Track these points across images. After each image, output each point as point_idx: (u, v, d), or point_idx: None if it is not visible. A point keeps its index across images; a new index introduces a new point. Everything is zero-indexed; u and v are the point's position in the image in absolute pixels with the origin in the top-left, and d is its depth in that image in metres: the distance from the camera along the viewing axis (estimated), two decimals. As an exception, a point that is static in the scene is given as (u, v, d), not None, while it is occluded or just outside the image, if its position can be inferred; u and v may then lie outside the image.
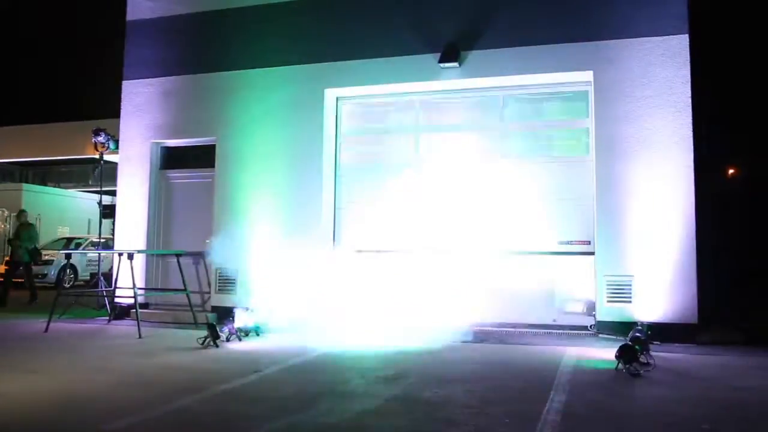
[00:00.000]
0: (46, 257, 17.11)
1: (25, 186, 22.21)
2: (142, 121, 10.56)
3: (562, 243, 8.65)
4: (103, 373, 5.97)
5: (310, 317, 8.26)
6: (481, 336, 7.97)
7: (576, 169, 8.76)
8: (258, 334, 7.92)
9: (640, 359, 6.03)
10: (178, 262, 9.38)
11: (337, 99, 9.90)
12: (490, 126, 9.33)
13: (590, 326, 8.33)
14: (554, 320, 8.56)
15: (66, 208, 22.15)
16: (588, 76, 8.58)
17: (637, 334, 6.50)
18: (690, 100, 8.07)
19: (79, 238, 18.93)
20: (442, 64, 8.97)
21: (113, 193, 11.08)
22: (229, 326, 7.73)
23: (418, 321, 8.04)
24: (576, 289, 8.57)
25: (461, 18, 9.05)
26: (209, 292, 9.82)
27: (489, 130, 9.33)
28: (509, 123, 9.21)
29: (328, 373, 5.92)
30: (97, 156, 10.92)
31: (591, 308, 8.42)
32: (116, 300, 9.85)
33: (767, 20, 13.32)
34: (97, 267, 12.30)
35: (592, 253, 8.40)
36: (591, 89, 8.59)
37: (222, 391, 5.23)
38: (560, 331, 8.33)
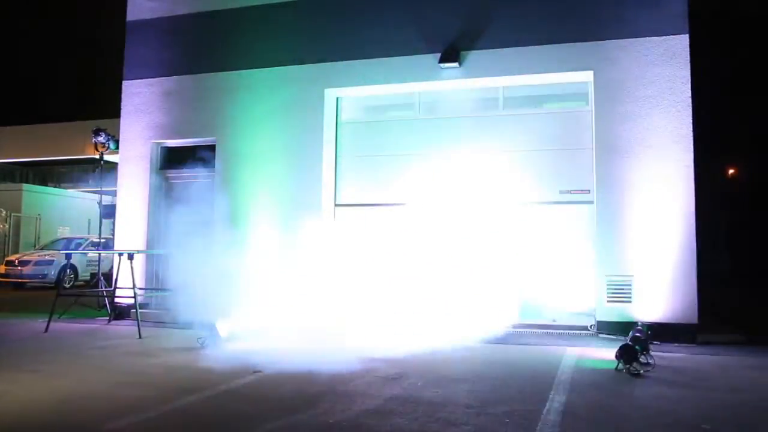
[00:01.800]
0: (46, 257, 17.14)
1: (25, 186, 22.22)
2: (142, 121, 10.57)
3: (563, 192, 8.73)
4: (103, 372, 5.97)
5: (310, 317, 8.26)
6: (481, 336, 7.95)
7: (574, 120, 8.81)
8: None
9: (640, 359, 6.03)
10: (178, 262, 9.36)
11: (337, 99, 9.90)
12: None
13: (590, 326, 8.33)
14: (554, 320, 8.55)
15: (66, 209, 22.15)
16: (588, 76, 8.58)
17: (637, 334, 6.49)
18: (690, 100, 8.08)
19: (79, 238, 18.93)
20: (442, 65, 8.97)
21: (113, 193, 11.08)
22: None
23: (418, 321, 8.03)
24: (576, 286, 8.58)
25: (461, 18, 9.06)
26: (209, 292, 9.80)
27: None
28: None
29: (328, 372, 5.91)
30: (97, 156, 10.92)
31: (591, 308, 8.42)
32: (116, 300, 9.85)
33: (767, 20, 13.32)
34: (97, 267, 12.30)
35: (591, 202, 8.49)
36: (591, 89, 8.59)
37: (222, 390, 5.23)
38: (560, 331, 8.33)
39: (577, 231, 8.65)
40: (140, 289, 9.40)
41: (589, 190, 8.62)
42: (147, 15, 10.74)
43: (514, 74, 8.88)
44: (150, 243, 10.26)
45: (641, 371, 5.88)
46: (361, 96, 9.93)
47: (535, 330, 8.42)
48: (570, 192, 8.73)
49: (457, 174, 9.14)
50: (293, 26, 9.84)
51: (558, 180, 8.80)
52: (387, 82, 9.37)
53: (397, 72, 9.26)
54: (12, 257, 17.91)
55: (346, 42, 9.54)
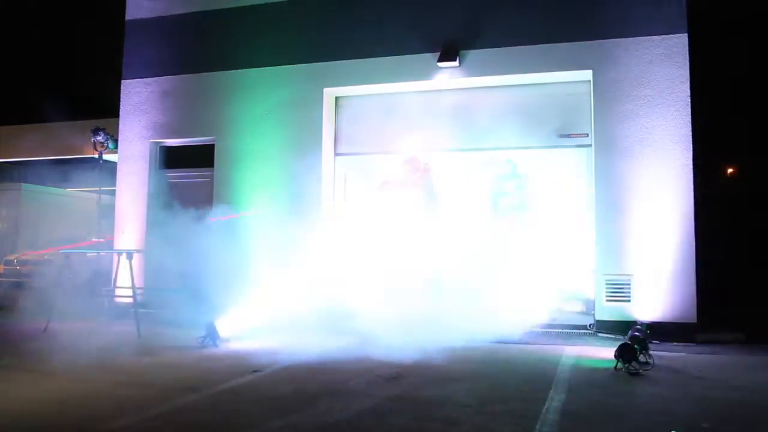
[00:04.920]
0: (45, 257, 17.11)
1: (23, 186, 22.17)
2: (141, 120, 10.57)
3: (561, 136, 8.77)
4: (103, 372, 5.97)
5: (310, 316, 8.24)
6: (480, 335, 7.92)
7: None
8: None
9: (639, 358, 6.03)
10: (177, 261, 9.34)
11: (335, 98, 9.90)
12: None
13: (589, 325, 8.33)
14: (553, 319, 8.53)
15: (65, 208, 22.10)
16: (587, 75, 8.59)
17: (636, 333, 6.49)
18: (689, 99, 8.09)
19: (78, 238, 18.87)
20: (441, 64, 8.97)
21: (112, 193, 11.08)
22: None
23: (417, 321, 8.01)
24: (575, 285, 8.57)
25: (460, 17, 9.06)
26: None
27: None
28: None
29: (327, 372, 5.92)
30: (96, 155, 10.91)
31: (590, 306, 8.42)
32: (115, 300, 9.83)
33: (767, 19, 13.32)
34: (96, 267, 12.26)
35: (590, 145, 8.59)
36: (590, 88, 8.59)
37: (221, 390, 5.23)
38: (559, 330, 8.32)
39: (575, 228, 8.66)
40: (139, 288, 9.38)
41: (587, 134, 8.72)
42: (145, 14, 10.73)
43: (512, 73, 8.88)
44: (149, 242, 10.24)
45: (640, 370, 5.88)
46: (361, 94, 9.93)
47: (533, 329, 8.39)
48: (569, 136, 8.83)
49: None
50: (291, 25, 9.83)
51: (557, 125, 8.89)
52: (385, 81, 9.36)
53: (396, 71, 9.25)
54: (11, 257, 17.89)
55: (344, 41, 9.53)
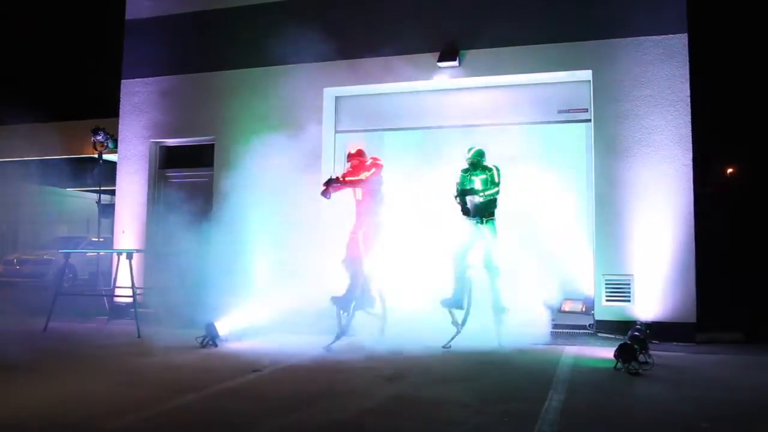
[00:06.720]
0: (45, 257, 17.12)
1: (24, 186, 22.16)
2: (140, 120, 10.57)
3: (561, 112, 8.81)
4: (103, 372, 5.97)
5: (309, 316, 8.23)
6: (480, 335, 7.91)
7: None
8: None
9: (639, 358, 6.03)
10: (177, 261, 9.34)
11: (336, 98, 9.89)
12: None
13: (589, 325, 8.33)
14: (553, 319, 8.52)
15: (65, 208, 22.10)
16: (587, 75, 8.58)
17: (636, 333, 6.50)
18: (689, 99, 8.08)
19: (78, 238, 18.88)
20: (441, 64, 8.97)
21: (112, 193, 11.08)
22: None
23: (416, 319, 8.00)
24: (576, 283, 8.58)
25: (460, 17, 9.05)
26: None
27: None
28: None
29: (327, 372, 5.92)
30: (95, 155, 10.91)
31: (590, 306, 8.42)
32: (115, 300, 9.83)
33: (767, 19, 13.33)
34: (95, 267, 12.28)
35: (589, 120, 8.64)
36: (590, 88, 8.59)
37: (221, 390, 5.23)
38: (559, 330, 8.32)
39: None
40: (139, 288, 9.38)
41: (586, 109, 8.69)
42: (145, 14, 10.73)
43: (513, 73, 8.87)
44: (149, 242, 10.24)
45: (640, 370, 5.88)
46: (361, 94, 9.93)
47: (534, 329, 8.37)
48: (569, 111, 8.83)
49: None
50: (291, 25, 9.82)
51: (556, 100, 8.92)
52: (385, 81, 9.35)
53: (396, 71, 9.23)
54: (11, 257, 17.90)
55: (344, 41, 9.52)
